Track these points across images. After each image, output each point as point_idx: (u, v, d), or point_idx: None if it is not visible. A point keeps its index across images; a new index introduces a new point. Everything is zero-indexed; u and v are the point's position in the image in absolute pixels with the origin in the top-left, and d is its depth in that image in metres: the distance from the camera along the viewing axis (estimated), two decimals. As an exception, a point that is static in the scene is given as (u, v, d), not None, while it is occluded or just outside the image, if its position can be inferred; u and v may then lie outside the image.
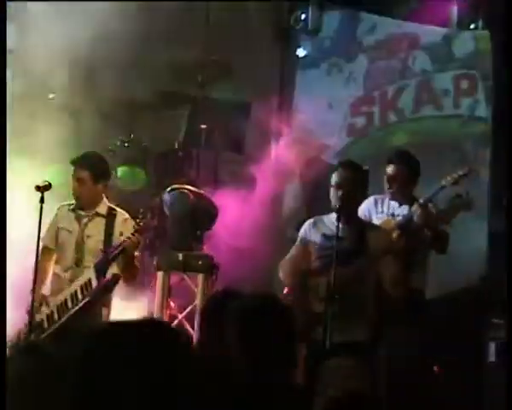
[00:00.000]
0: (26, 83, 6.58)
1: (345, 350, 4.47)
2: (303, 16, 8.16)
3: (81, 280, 5.43)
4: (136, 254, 5.52)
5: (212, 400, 1.47)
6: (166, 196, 6.40)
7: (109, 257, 5.40)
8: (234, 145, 7.68)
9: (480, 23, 8.35)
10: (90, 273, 5.41)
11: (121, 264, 5.43)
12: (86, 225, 5.57)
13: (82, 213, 5.61)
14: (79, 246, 5.53)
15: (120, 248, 5.37)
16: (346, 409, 2.60)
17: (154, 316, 5.73)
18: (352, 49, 8.57)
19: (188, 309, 6.23)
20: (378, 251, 4.92)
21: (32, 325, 5.23)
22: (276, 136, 7.60)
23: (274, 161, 7.49)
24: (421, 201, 5.59)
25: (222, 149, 7.58)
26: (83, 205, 5.62)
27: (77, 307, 5.33)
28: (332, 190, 5.05)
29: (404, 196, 5.81)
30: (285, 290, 5.17)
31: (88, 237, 5.53)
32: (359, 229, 5.05)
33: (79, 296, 5.38)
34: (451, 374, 6.93)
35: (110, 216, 5.59)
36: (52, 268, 5.61)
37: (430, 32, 8.52)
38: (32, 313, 5.24)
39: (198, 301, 6.13)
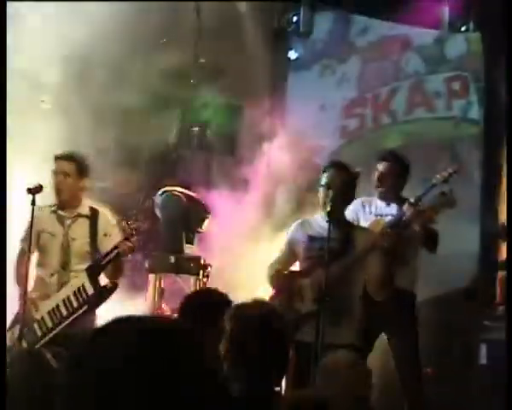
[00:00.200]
0: (20, 83, 6.57)
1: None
2: (294, 18, 8.17)
3: (73, 285, 5.34)
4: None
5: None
6: (158, 199, 6.40)
7: (103, 262, 5.35)
8: (226, 147, 7.69)
9: (472, 25, 8.37)
10: (82, 278, 5.34)
11: (111, 268, 5.40)
12: (70, 226, 5.48)
13: (64, 214, 5.50)
14: (65, 249, 5.43)
15: (115, 253, 5.33)
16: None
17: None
18: (345, 51, 8.58)
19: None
20: (365, 252, 4.92)
21: (23, 330, 5.10)
22: (268, 138, 7.60)
23: (266, 163, 7.49)
24: (411, 200, 5.60)
25: (214, 152, 7.58)
26: (65, 203, 5.49)
27: (76, 315, 5.28)
28: (321, 191, 5.06)
29: (393, 196, 5.83)
30: (272, 292, 5.16)
31: (73, 239, 5.44)
32: (346, 230, 5.04)
33: (74, 303, 5.29)
34: (443, 376, 6.94)
35: (93, 216, 5.51)
36: (35, 272, 5.48)
37: (422, 34, 8.53)
38: (23, 318, 5.13)
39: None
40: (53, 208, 5.49)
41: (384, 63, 8.58)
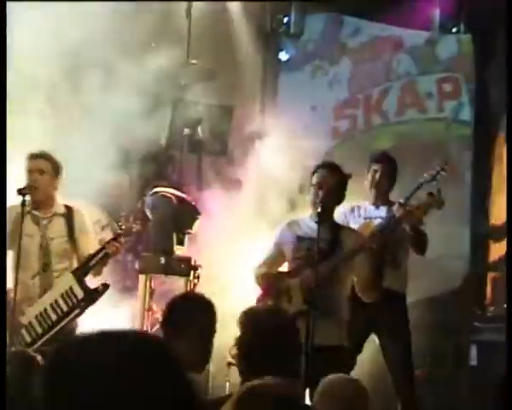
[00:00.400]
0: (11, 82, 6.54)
1: (320, 354, 4.46)
2: (285, 19, 8.16)
3: (60, 288, 5.30)
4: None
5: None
6: (149, 200, 6.38)
7: (90, 263, 5.32)
8: (217, 148, 7.67)
9: (462, 26, 8.39)
10: (69, 281, 5.31)
11: (98, 269, 5.38)
12: (46, 226, 5.40)
13: (38, 214, 5.42)
14: (44, 249, 5.36)
15: (102, 254, 5.31)
16: None
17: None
18: (336, 52, 8.58)
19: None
20: (353, 254, 4.91)
21: (11, 337, 5.02)
22: (259, 139, 7.59)
23: (258, 164, 7.48)
24: (401, 200, 5.61)
25: (205, 153, 7.57)
26: (39, 203, 5.41)
27: (68, 318, 5.24)
28: (312, 191, 5.05)
29: (384, 198, 5.86)
30: (259, 292, 5.15)
31: (51, 239, 5.38)
32: (335, 231, 5.04)
33: (63, 306, 5.25)
34: (434, 377, 6.95)
35: (68, 214, 5.47)
36: (14, 275, 5.23)
37: (414, 35, 8.54)
38: (13, 323, 5.03)
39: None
40: (27, 209, 5.34)
41: (376, 64, 8.58)
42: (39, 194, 5.39)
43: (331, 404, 3.09)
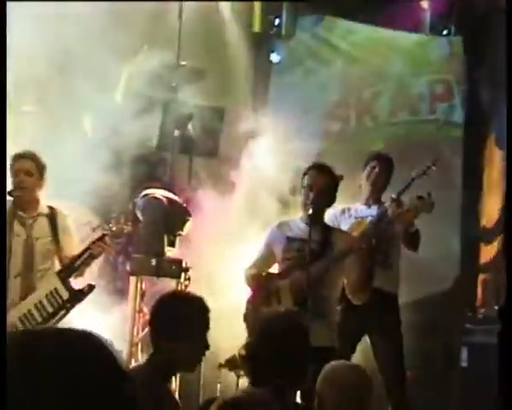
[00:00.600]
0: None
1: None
2: (276, 21, 8.17)
3: (45, 289, 5.28)
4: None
5: None
6: (139, 201, 6.37)
7: (75, 264, 5.32)
8: (208, 150, 7.67)
9: (453, 29, 8.42)
10: (54, 282, 5.30)
11: (83, 269, 5.37)
12: (32, 226, 5.39)
13: (24, 214, 5.39)
14: (29, 249, 5.35)
15: (87, 255, 5.30)
16: None
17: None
18: (327, 54, 8.58)
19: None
20: (343, 255, 4.91)
21: None
22: (251, 140, 7.58)
23: (249, 166, 7.47)
24: (393, 196, 5.62)
25: (196, 154, 7.56)
26: (25, 203, 5.39)
27: (53, 320, 5.19)
28: (303, 192, 5.05)
29: (377, 198, 5.86)
30: (249, 293, 5.15)
31: (36, 239, 5.37)
32: (325, 233, 5.04)
33: (48, 307, 5.24)
34: (424, 379, 6.96)
35: (52, 215, 5.47)
36: None
37: (405, 37, 8.56)
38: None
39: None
40: (11, 209, 5.31)
41: (367, 66, 8.59)
42: (26, 195, 5.38)
43: (334, 390, 3.11)
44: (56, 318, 5.23)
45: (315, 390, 3.20)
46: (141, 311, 6.26)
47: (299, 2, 8.22)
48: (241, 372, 5.87)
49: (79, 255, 5.31)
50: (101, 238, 5.31)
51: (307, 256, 4.79)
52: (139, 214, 6.37)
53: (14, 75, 6.50)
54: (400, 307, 5.93)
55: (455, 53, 8.40)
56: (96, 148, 6.87)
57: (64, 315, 5.26)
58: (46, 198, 5.55)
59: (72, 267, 5.32)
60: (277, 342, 3.11)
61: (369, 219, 5.67)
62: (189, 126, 7.33)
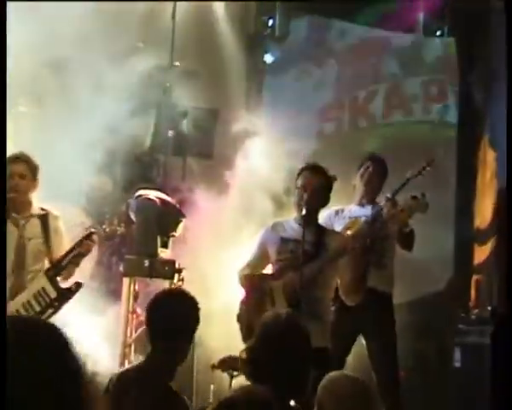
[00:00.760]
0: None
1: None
2: (270, 22, 8.17)
3: (33, 289, 5.28)
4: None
5: None
6: (133, 203, 6.36)
7: (63, 263, 5.33)
8: (202, 151, 7.67)
9: (446, 30, 8.43)
10: (42, 281, 5.31)
11: (70, 268, 5.38)
12: (24, 227, 5.39)
13: (17, 216, 5.40)
14: (21, 250, 5.36)
15: (74, 254, 5.30)
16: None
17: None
18: (322, 55, 8.58)
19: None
20: (336, 255, 4.91)
21: None
22: (244, 141, 7.58)
23: (243, 167, 7.47)
24: (388, 195, 5.63)
25: (190, 155, 7.57)
26: (19, 205, 5.39)
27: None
28: (297, 193, 5.04)
29: (371, 198, 5.86)
30: (243, 294, 5.14)
31: (29, 239, 5.38)
32: (319, 233, 5.03)
33: (36, 307, 5.23)
34: (418, 379, 6.96)
35: (44, 216, 5.49)
36: None
37: (399, 38, 8.57)
38: None
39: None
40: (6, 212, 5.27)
41: (361, 66, 8.60)
42: (20, 197, 5.39)
43: (333, 400, 3.11)
44: (44, 316, 5.23)
45: (313, 398, 3.20)
46: (134, 312, 6.25)
47: (293, 3, 8.22)
48: (235, 373, 5.87)
49: (66, 254, 5.32)
50: (87, 237, 5.31)
51: (300, 257, 4.79)
52: (132, 215, 6.37)
53: (8, 76, 6.49)
54: (394, 307, 5.93)
55: (449, 54, 8.41)
56: (90, 148, 6.86)
57: (52, 314, 5.26)
58: (39, 199, 5.56)
59: (59, 266, 5.33)
60: (278, 344, 3.11)
61: (363, 218, 5.66)
62: (184, 123, 7.33)
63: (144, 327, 5.96)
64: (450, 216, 7.88)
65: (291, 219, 5.12)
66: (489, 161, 7.86)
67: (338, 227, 5.65)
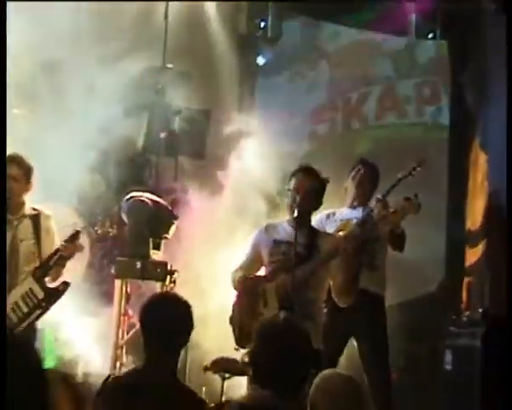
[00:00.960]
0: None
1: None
2: (262, 24, 8.17)
3: (21, 290, 5.28)
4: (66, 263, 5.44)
5: None
6: (125, 204, 6.36)
7: (50, 263, 5.33)
8: (194, 152, 7.67)
9: (438, 32, 8.44)
10: (29, 282, 5.32)
11: (56, 269, 5.38)
12: (17, 228, 5.40)
13: (9, 216, 5.38)
14: (14, 252, 5.36)
15: (57, 257, 5.30)
16: None
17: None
18: (314, 57, 8.58)
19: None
20: (328, 257, 4.91)
21: None
22: (237, 143, 7.59)
23: (235, 168, 7.47)
24: (378, 196, 5.64)
25: (182, 156, 7.56)
26: (12, 207, 5.39)
27: (29, 320, 5.22)
28: (289, 195, 5.05)
29: (363, 202, 5.87)
30: (236, 296, 5.14)
31: (21, 240, 5.39)
32: (312, 236, 5.04)
33: (23, 308, 5.25)
34: (408, 381, 6.97)
35: (36, 216, 5.49)
36: None
37: (392, 40, 8.58)
38: None
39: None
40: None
41: (354, 68, 8.60)
42: (14, 200, 5.40)
43: (326, 399, 3.12)
44: (32, 317, 5.24)
45: (306, 397, 3.21)
46: (126, 314, 6.25)
47: (285, 4, 8.21)
48: (226, 375, 5.87)
49: (53, 255, 5.32)
50: (73, 237, 5.32)
51: (293, 259, 4.79)
52: (124, 217, 6.37)
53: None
54: (386, 308, 5.93)
55: (442, 55, 8.42)
56: (82, 149, 6.86)
57: (40, 315, 5.26)
58: (32, 199, 5.56)
59: (46, 267, 5.33)
60: (278, 346, 3.12)
61: (355, 220, 5.67)
62: (176, 124, 7.32)
63: (136, 329, 6.00)
64: (442, 218, 7.89)
65: (284, 222, 5.12)
66: (480, 163, 7.87)
67: (329, 230, 5.65)
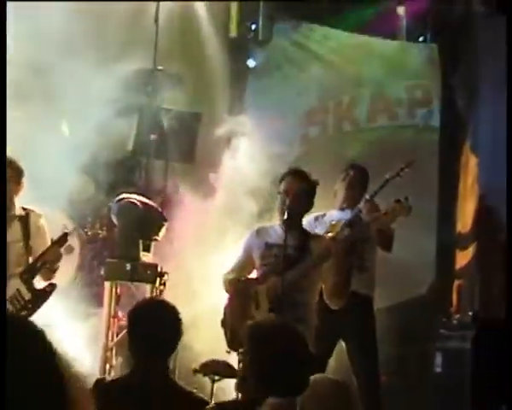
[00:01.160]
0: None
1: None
2: (253, 26, 8.17)
3: (8, 291, 5.25)
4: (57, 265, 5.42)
5: None
6: (115, 206, 6.35)
7: (38, 264, 5.32)
8: (184, 154, 7.66)
9: (429, 35, 8.46)
10: (16, 284, 5.31)
11: (46, 270, 5.36)
12: (7, 230, 5.35)
13: None
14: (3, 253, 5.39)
15: (44, 258, 5.29)
16: None
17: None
18: (305, 59, 8.58)
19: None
20: (320, 259, 4.91)
21: None
22: (227, 145, 7.58)
23: (226, 171, 7.47)
24: (367, 196, 5.64)
25: (172, 159, 7.56)
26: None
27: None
28: (279, 198, 5.05)
29: (352, 203, 5.88)
30: (227, 298, 5.14)
31: (10, 242, 5.34)
32: (303, 238, 5.03)
33: (10, 309, 5.24)
34: (398, 384, 6.96)
35: (25, 217, 5.48)
36: None
37: (383, 42, 8.58)
38: None
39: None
40: None
41: (346, 70, 8.60)
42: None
43: (314, 403, 3.11)
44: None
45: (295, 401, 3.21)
46: (115, 316, 6.24)
47: (276, 7, 8.21)
48: (216, 377, 5.86)
49: (40, 256, 5.32)
50: (61, 239, 5.31)
51: (282, 262, 4.79)
52: (114, 219, 6.36)
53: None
54: (376, 311, 5.94)
55: (434, 58, 8.42)
56: (72, 151, 6.85)
57: (27, 316, 5.23)
58: (22, 201, 5.55)
59: (34, 268, 5.32)
60: (270, 346, 3.11)
61: (343, 222, 5.68)
62: (166, 126, 7.31)
63: (126, 331, 5.98)
64: (432, 220, 7.89)
65: (276, 224, 5.12)
66: (471, 165, 7.88)
67: (319, 232, 5.65)
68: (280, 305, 4.72)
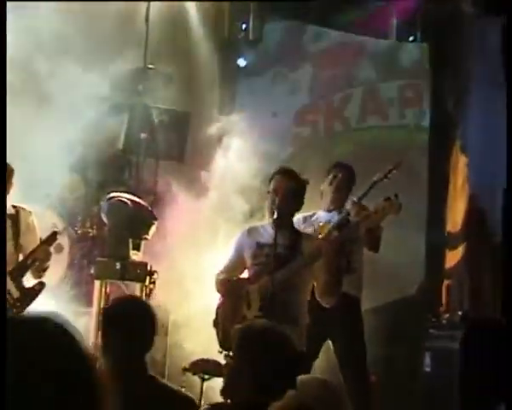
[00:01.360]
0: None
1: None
2: (244, 26, 8.17)
3: None
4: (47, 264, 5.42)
5: None
6: (105, 205, 6.35)
7: (27, 263, 5.32)
8: (174, 154, 7.66)
9: (419, 35, 8.47)
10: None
11: (36, 268, 5.36)
12: None
13: None
14: None
15: (31, 260, 5.29)
16: None
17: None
18: (297, 58, 8.58)
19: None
20: (311, 258, 4.91)
21: None
22: (218, 145, 7.59)
23: (216, 170, 7.48)
24: (354, 198, 5.64)
25: (162, 158, 7.55)
26: None
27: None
28: (269, 197, 5.05)
29: (338, 204, 5.89)
30: (219, 298, 5.14)
31: None
32: (294, 237, 5.04)
33: None
34: (387, 384, 6.97)
35: (15, 215, 5.48)
36: None
37: (375, 42, 8.59)
38: None
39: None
40: None
41: (337, 70, 8.60)
42: None
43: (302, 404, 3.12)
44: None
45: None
46: (105, 315, 6.23)
47: (267, 6, 8.21)
48: (206, 376, 5.86)
49: (29, 255, 5.31)
50: (50, 238, 5.30)
51: (274, 261, 4.79)
52: (104, 218, 6.36)
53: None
54: (365, 311, 5.94)
55: (423, 58, 8.44)
56: (62, 150, 6.85)
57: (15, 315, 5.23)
58: (11, 200, 5.54)
59: (23, 266, 5.32)
60: (258, 349, 3.11)
61: (332, 223, 5.68)
62: (157, 125, 7.31)
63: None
64: (422, 220, 7.90)
65: (267, 224, 5.12)
66: (461, 166, 7.90)
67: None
68: (271, 304, 4.72)
